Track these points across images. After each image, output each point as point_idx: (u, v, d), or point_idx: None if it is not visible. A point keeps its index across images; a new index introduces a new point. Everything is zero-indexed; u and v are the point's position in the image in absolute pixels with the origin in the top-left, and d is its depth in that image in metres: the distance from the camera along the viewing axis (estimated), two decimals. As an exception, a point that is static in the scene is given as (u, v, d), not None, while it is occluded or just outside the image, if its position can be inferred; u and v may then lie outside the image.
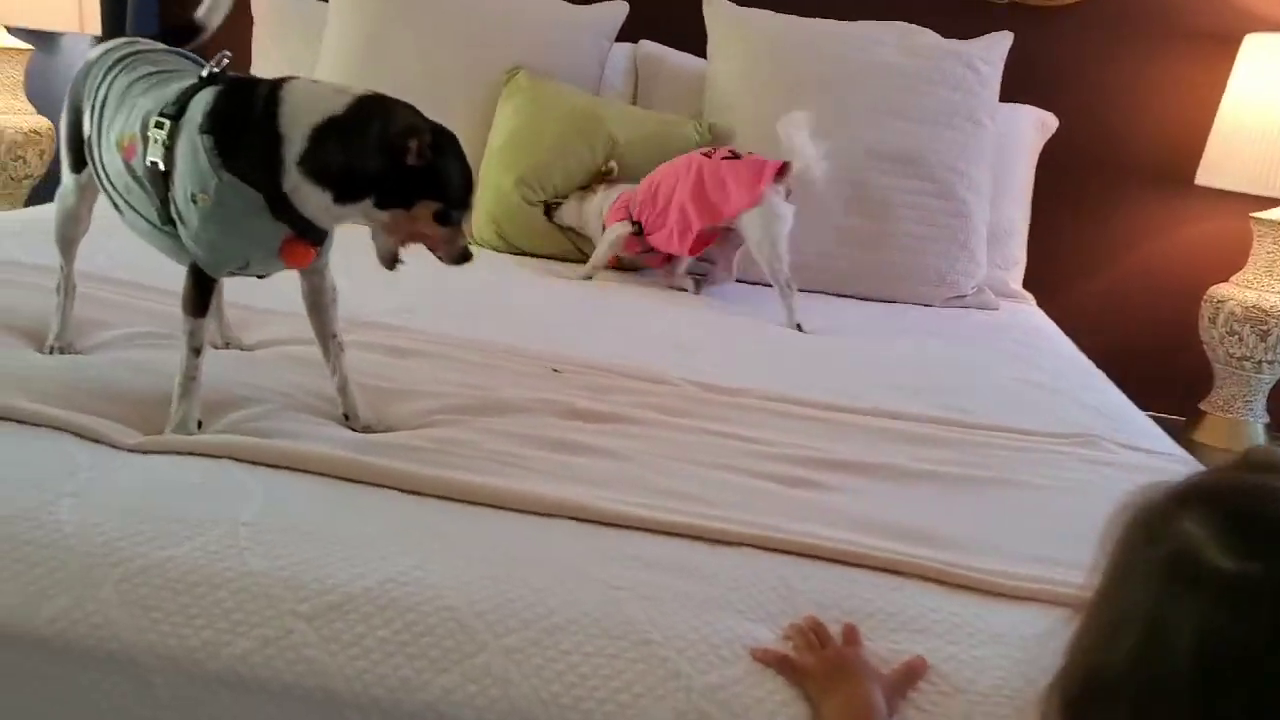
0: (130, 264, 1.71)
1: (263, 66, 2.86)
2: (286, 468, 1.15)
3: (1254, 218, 2.77)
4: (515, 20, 2.74)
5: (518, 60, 2.65)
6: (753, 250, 2.23)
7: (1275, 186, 2.66)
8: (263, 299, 1.66)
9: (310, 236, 1.25)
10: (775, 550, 1.07)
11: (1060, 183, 2.88)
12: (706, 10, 2.74)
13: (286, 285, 1.40)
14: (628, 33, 2.81)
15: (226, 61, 1.28)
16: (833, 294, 2.52)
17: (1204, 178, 2.80)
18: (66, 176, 1.44)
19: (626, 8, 2.78)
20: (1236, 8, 2.81)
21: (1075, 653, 0.63)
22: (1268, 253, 2.75)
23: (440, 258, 1.27)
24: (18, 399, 1.20)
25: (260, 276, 1.33)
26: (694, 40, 2.78)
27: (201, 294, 1.26)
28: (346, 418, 1.36)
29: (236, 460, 1.15)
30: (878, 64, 2.59)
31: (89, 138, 1.33)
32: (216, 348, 1.54)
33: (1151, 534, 0.61)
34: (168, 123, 1.21)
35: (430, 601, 0.95)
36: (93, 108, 1.32)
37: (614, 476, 1.22)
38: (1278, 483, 0.60)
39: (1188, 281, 2.89)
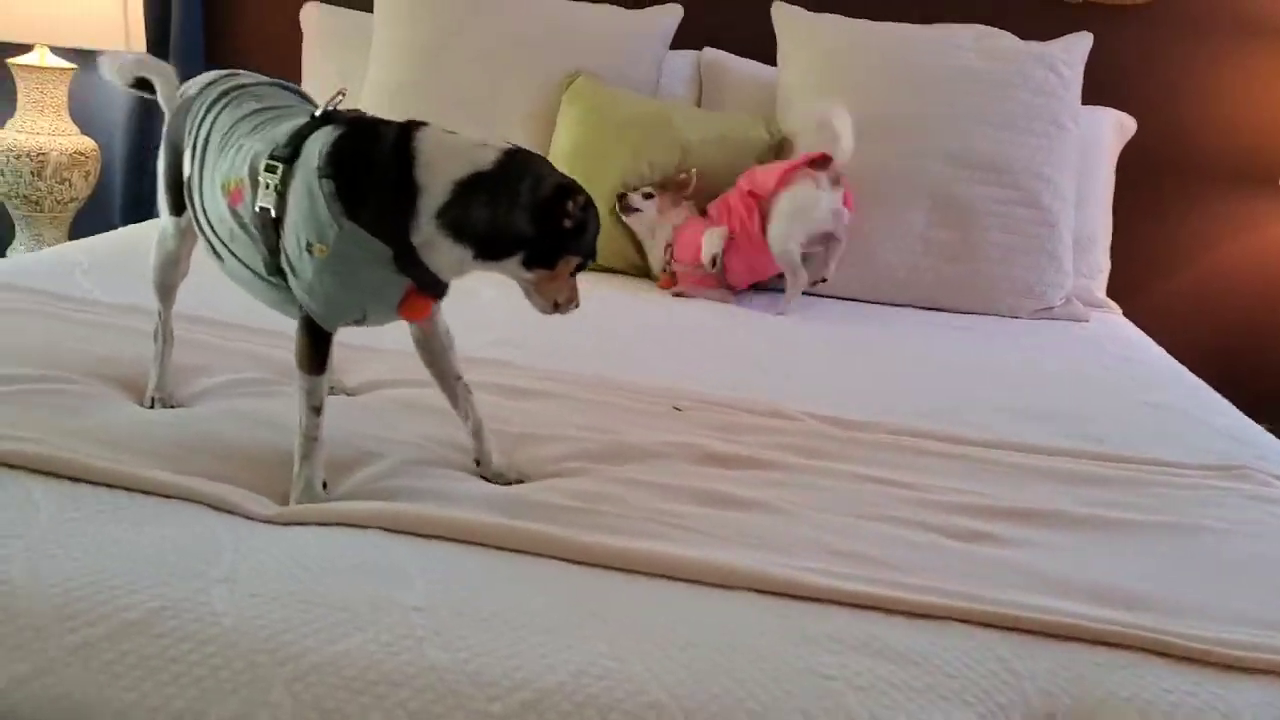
0: (222, 304, 1.61)
1: (312, 80, 2.79)
2: (437, 537, 1.07)
3: (1342, 219, 2.68)
4: (569, 27, 2.66)
5: (574, 67, 2.56)
6: (769, 231, 2.20)
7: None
8: (357, 335, 1.58)
9: (433, 291, 1.17)
10: (984, 624, 0.98)
11: (1139, 186, 2.78)
12: (775, 17, 2.65)
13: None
14: (687, 40, 2.73)
15: (341, 99, 1.19)
16: (919, 307, 2.44)
17: (1289, 178, 2.72)
18: (166, 220, 1.35)
19: (681, 11, 2.69)
20: (1319, 2, 2.72)
21: None
22: (1358, 254, 2.66)
23: (552, 309, 1.20)
24: (145, 467, 1.11)
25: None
26: (758, 47, 2.70)
27: (318, 349, 1.18)
28: (478, 463, 1.28)
29: (383, 530, 1.06)
30: (957, 68, 2.50)
31: (189, 179, 1.24)
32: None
33: None
34: (280, 166, 1.12)
35: (632, 698, 0.86)
36: (193, 147, 1.23)
37: (780, 536, 1.14)
38: None
39: (1275, 283, 2.80)
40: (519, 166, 1.12)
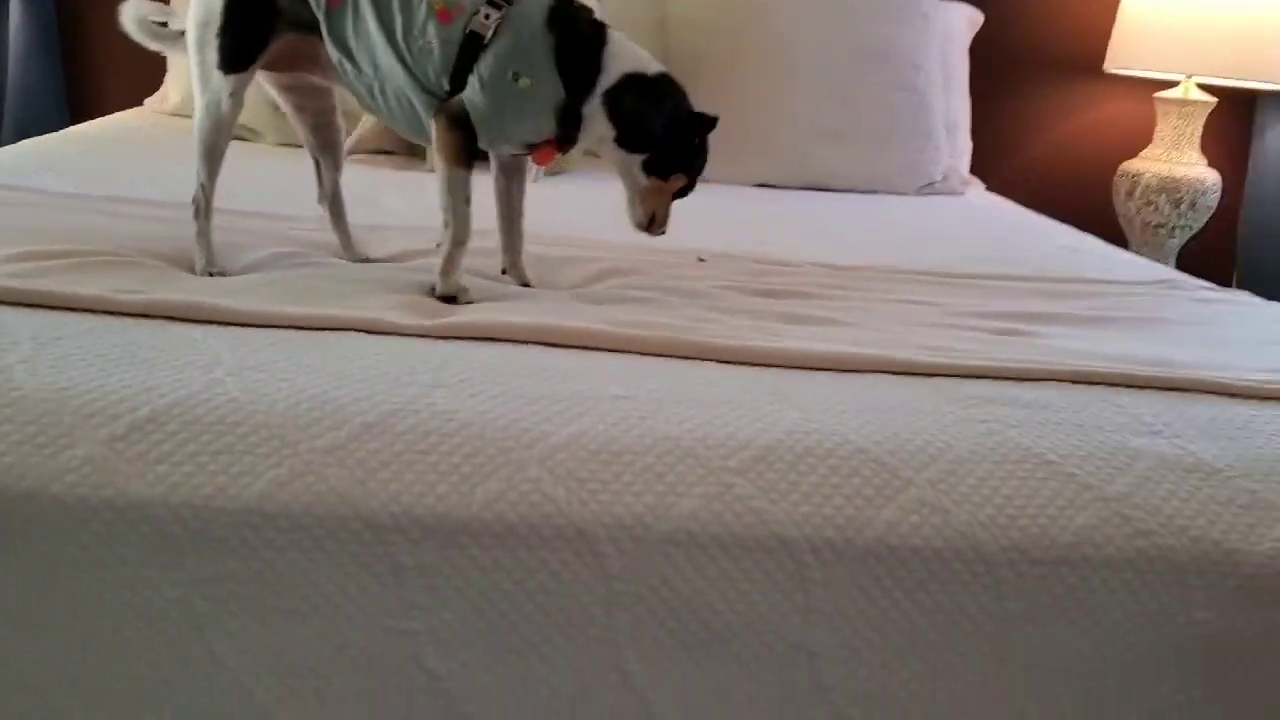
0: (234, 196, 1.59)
1: None
2: (582, 347, 1.15)
3: (1157, 98, 3.05)
4: None
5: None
6: None
7: (1173, 69, 2.94)
8: (364, 215, 1.60)
9: (564, 146, 1.33)
10: (1082, 382, 1.16)
11: (988, 75, 3.06)
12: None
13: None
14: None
15: None
16: (816, 189, 2.61)
17: (1112, 64, 3.06)
18: (220, 82, 1.33)
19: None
20: (1134, -96, 3.05)
21: None
22: (1173, 128, 3.03)
23: (648, 222, 1.35)
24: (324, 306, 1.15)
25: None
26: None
27: (468, 147, 1.31)
28: (505, 272, 1.46)
29: (540, 344, 1.14)
30: (837, -34, 2.68)
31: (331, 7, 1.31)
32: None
33: None
34: (505, 6, 1.29)
35: (842, 446, 0.98)
36: None
37: (863, 339, 1.28)
38: None
39: (1102, 160, 3.16)
40: (673, 85, 1.33)
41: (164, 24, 1.43)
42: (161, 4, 1.47)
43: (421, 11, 1.29)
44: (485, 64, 1.27)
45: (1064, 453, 1.01)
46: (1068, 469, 1.00)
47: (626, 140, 1.31)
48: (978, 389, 1.13)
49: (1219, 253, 3.26)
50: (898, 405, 1.07)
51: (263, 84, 1.43)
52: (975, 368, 1.17)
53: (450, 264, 1.32)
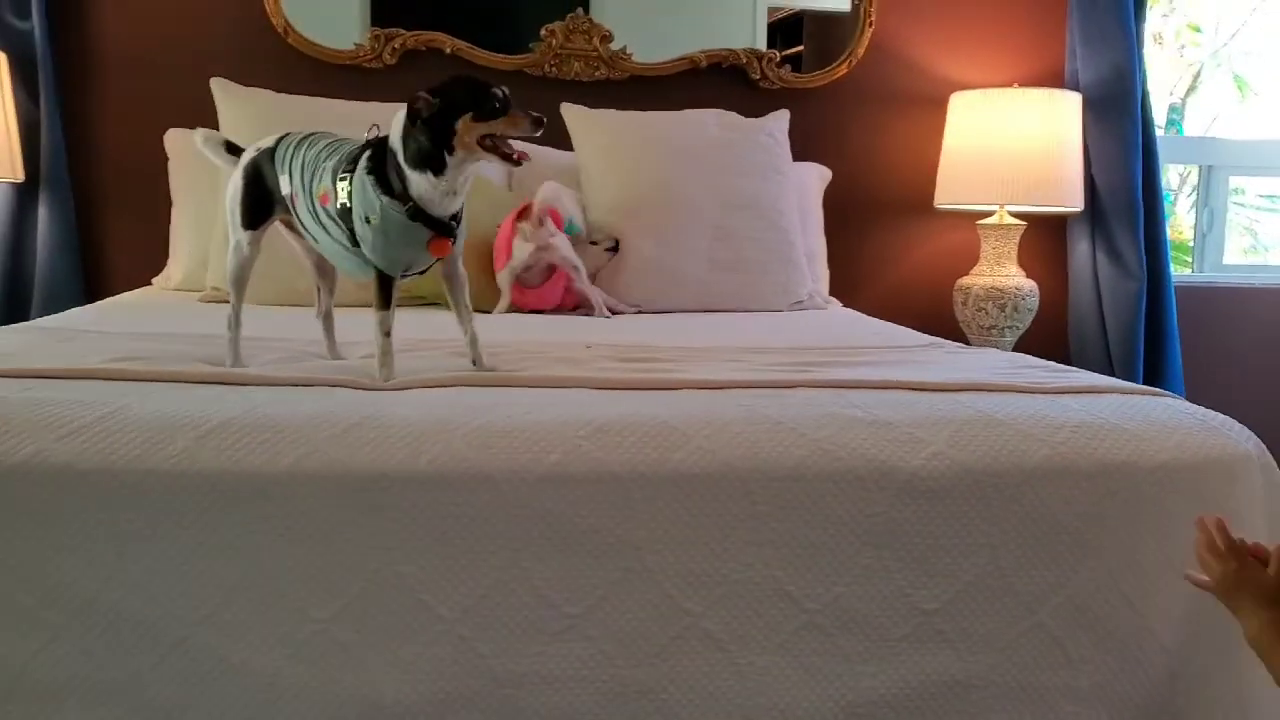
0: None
1: (182, 197, 3.34)
2: (494, 385, 1.75)
3: (979, 225, 3.77)
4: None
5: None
6: None
7: (988, 201, 3.67)
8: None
9: (443, 230, 1.78)
10: (826, 387, 1.78)
11: (840, 217, 3.78)
12: (564, 114, 3.44)
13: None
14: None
15: (377, 131, 1.87)
16: (710, 311, 3.23)
17: (940, 201, 3.79)
18: (242, 235, 1.95)
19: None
20: (941, 77, 3.86)
21: None
22: (994, 248, 3.74)
23: (522, 138, 1.75)
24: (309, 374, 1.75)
25: (420, 273, 1.89)
26: (556, 138, 3.47)
27: (386, 292, 1.81)
28: (474, 363, 1.92)
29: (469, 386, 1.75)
30: (710, 139, 3.39)
31: (290, 194, 1.88)
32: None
33: None
34: (349, 175, 1.79)
35: (652, 420, 1.58)
36: (290, 173, 1.87)
37: (691, 375, 1.88)
38: None
39: (941, 278, 3.86)
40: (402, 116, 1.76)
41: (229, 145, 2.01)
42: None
43: (316, 203, 1.81)
44: (355, 221, 1.75)
45: (793, 417, 1.61)
46: (793, 425, 1.59)
47: (435, 167, 1.72)
48: (750, 394, 1.74)
49: (1059, 337, 3.96)
50: (694, 402, 1.67)
51: (285, 236, 2.03)
52: (750, 380, 1.78)
53: (385, 357, 1.80)
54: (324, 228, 1.85)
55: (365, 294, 1.83)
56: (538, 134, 1.75)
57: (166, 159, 3.42)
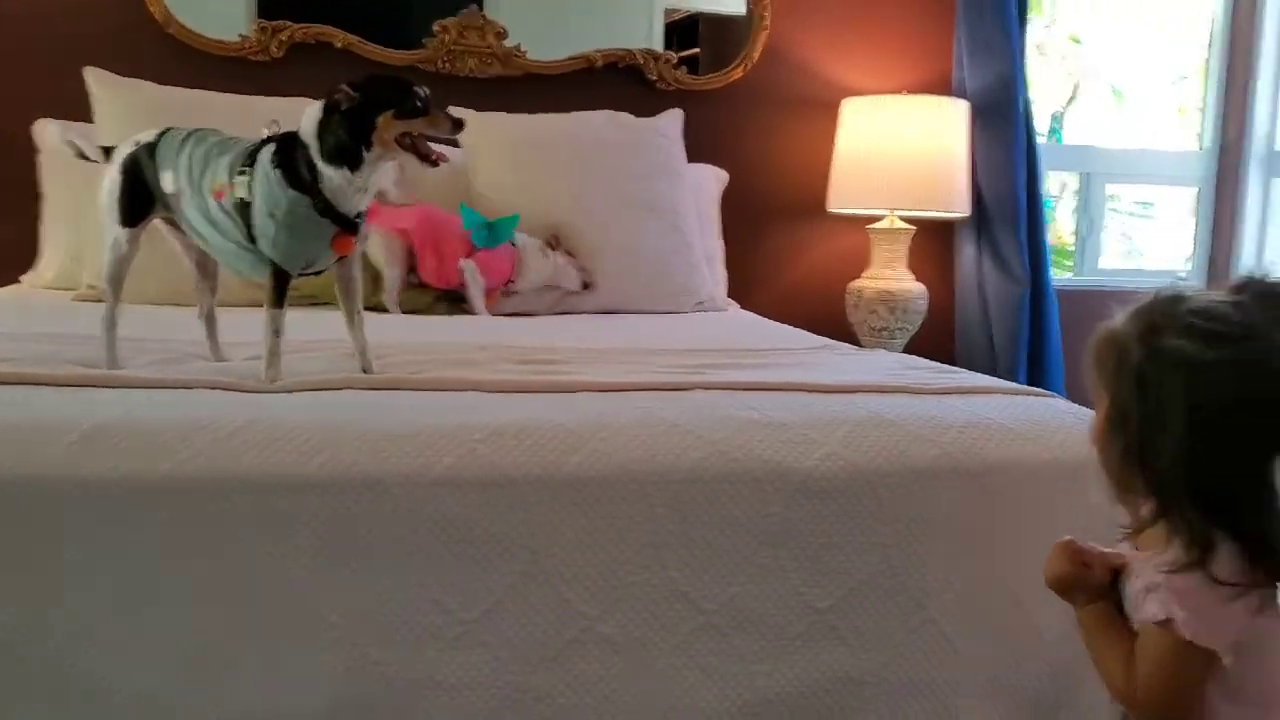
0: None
1: (54, 188, 3.20)
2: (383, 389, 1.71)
3: (869, 229, 3.84)
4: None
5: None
6: None
7: (878, 206, 3.74)
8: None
9: (348, 228, 1.76)
10: (721, 389, 1.78)
11: (736, 219, 3.81)
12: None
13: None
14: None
15: (277, 127, 1.81)
16: (615, 312, 3.20)
17: (833, 205, 3.85)
18: (119, 231, 1.87)
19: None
20: (833, 82, 3.92)
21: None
22: (884, 252, 3.81)
23: (441, 140, 1.75)
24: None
25: (317, 273, 1.85)
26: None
27: (280, 289, 1.77)
28: (364, 371, 1.88)
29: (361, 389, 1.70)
30: (602, 140, 3.38)
31: (175, 192, 1.80)
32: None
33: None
34: (248, 170, 1.74)
35: (547, 424, 1.56)
36: (176, 169, 1.80)
37: (588, 376, 1.87)
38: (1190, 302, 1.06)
39: (833, 281, 3.92)
40: (318, 110, 1.74)
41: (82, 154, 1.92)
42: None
43: (208, 198, 1.76)
44: (256, 215, 1.71)
45: (689, 420, 1.61)
46: (689, 428, 1.59)
47: (352, 162, 1.71)
48: (647, 396, 1.73)
49: (946, 339, 4.06)
50: (590, 404, 1.66)
51: (165, 234, 1.95)
52: (647, 383, 1.78)
53: (273, 358, 1.76)
54: (214, 225, 1.79)
55: (251, 294, 1.77)
56: (456, 135, 1.76)
57: (36, 151, 3.27)
